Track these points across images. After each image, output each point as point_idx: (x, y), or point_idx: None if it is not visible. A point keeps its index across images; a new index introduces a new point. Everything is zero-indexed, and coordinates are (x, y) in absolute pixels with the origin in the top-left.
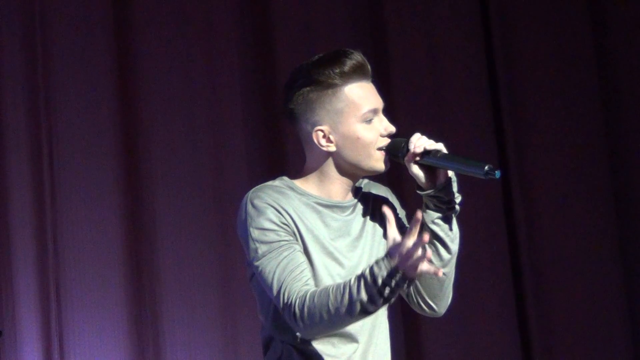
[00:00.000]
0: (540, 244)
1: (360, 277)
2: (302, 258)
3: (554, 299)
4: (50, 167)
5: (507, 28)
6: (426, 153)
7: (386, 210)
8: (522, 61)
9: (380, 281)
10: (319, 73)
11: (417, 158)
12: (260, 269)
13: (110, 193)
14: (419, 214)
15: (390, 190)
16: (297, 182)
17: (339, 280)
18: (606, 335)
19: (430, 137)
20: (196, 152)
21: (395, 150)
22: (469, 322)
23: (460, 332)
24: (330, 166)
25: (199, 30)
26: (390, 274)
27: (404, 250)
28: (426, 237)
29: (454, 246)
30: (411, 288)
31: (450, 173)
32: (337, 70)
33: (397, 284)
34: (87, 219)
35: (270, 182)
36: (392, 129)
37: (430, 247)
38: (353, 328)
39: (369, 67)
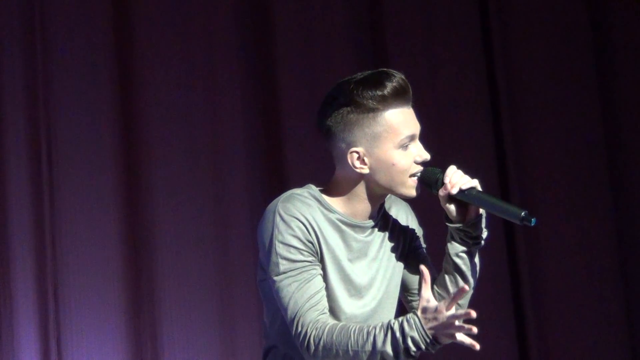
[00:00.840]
0: (538, 246)
1: (388, 328)
2: (322, 283)
3: (552, 301)
4: (49, 169)
5: (507, 31)
6: (461, 191)
7: (423, 268)
8: (521, 63)
9: (409, 340)
10: (360, 95)
11: (454, 192)
12: (277, 285)
13: (109, 195)
14: (466, 287)
15: (409, 206)
16: (325, 196)
17: (350, 302)
18: (604, 337)
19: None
20: (195, 155)
21: (429, 181)
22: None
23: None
24: (360, 187)
25: (199, 34)
26: (421, 334)
27: (444, 317)
28: (473, 313)
29: (474, 280)
30: (413, 303)
31: (482, 211)
32: (379, 94)
33: (426, 346)
34: (85, 221)
35: (298, 191)
36: (427, 156)
37: (449, 278)
38: None
39: (410, 92)
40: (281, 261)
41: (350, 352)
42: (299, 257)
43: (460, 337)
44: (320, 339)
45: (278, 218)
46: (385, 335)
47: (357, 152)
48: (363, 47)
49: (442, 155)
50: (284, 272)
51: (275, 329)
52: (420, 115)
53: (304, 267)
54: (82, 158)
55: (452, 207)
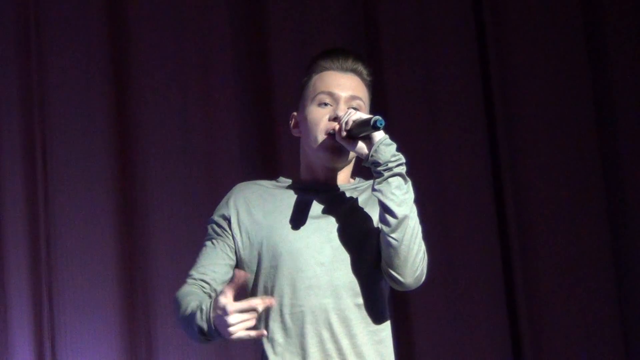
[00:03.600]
0: (532, 246)
1: (197, 307)
2: (219, 257)
3: (545, 299)
4: (44, 168)
5: (501, 32)
6: (353, 126)
7: (237, 271)
8: (515, 66)
9: (197, 326)
10: (307, 67)
11: (344, 133)
12: None
13: (104, 194)
14: (240, 274)
15: None
16: (284, 177)
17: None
18: (597, 333)
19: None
20: (190, 153)
21: (333, 132)
22: (460, 323)
23: (452, 332)
24: (304, 155)
25: (194, 33)
26: (208, 323)
27: (218, 308)
28: (243, 305)
29: (401, 210)
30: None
31: (377, 138)
32: (316, 61)
33: (211, 334)
34: (80, 220)
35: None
36: (339, 113)
37: (381, 213)
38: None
39: (350, 60)
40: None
41: (180, 316)
42: (213, 230)
43: (240, 333)
44: (175, 299)
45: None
46: (192, 314)
47: (294, 116)
48: (358, 44)
49: (436, 156)
50: (205, 238)
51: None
52: (414, 118)
53: (212, 238)
54: (77, 158)
55: (355, 149)
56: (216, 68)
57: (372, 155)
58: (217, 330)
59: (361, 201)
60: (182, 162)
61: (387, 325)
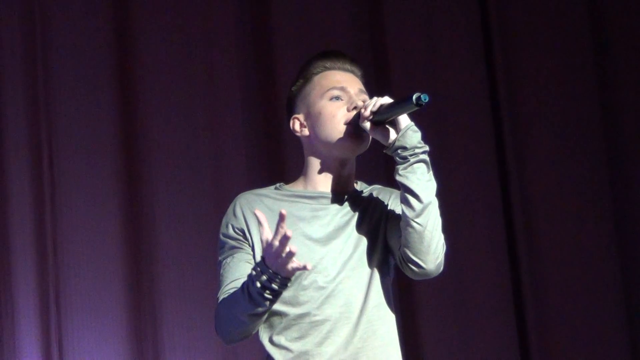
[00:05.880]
0: (538, 245)
1: (248, 277)
2: (245, 270)
3: (552, 299)
4: (50, 170)
5: (508, 35)
6: (375, 113)
7: (257, 213)
8: (522, 68)
9: (258, 284)
10: (299, 71)
11: (371, 117)
12: (217, 268)
13: (110, 197)
14: (284, 211)
15: (395, 191)
16: (287, 185)
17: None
18: (604, 333)
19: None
20: (196, 157)
21: (355, 121)
22: (466, 320)
23: (458, 329)
24: (312, 156)
25: (200, 36)
26: (267, 275)
27: (272, 249)
28: (289, 232)
29: (426, 195)
30: (399, 251)
31: (404, 124)
32: (309, 62)
33: (273, 284)
34: (86, 223)
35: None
36: (358, 102)
37: (404, 206)
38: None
39: (347, 61)
40: (219, 250)
41: (237, 314)
42: (229, 245)
43: (294, 264)
44: (216, 314)
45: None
46: (242, 287)
47: (297, 118)
48: (363, 46)
49: (442, 154)
50: (220, 256)
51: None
52: (420, 119)
53: (232, 254)
54: (83, 160)
55: (379, 134)
56: (222, 71)
57: (399, 140)
58: (274, 276)
59: (369, 205)
60: (188, 165)
61: (395, 325)
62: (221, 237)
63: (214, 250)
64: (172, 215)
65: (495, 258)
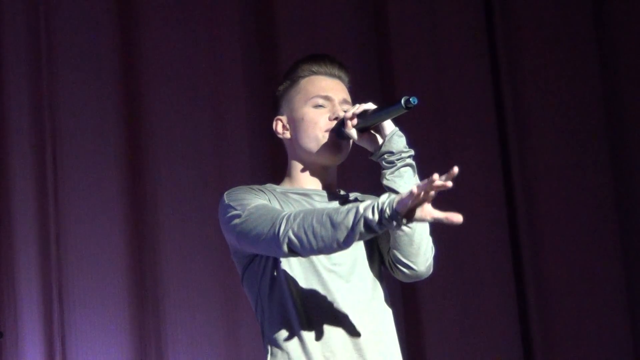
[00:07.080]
0: (542, 244)
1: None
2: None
3: (555, 298)
4: (54, 169)
5: (512, 35)
6: (359, 116)
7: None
8: (526, 67)
9: (381, 207)
10: (287, 72)
11: (354, 123)
12: (241, 226)
13: (114, 196)
14: (435, 176)
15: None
16: (275, 185)
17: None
18: (607, 332)
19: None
20: (200, 156)
21: (338, 128)
22: (470, 320)
23: (461, 329)
24: (294, 159)
25: (204, 30)
26: (391, 211)
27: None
28: (449, 184)
29: None
30: (388, 255)
31: (389, 130)
32: (297, 65)
33: (386, 213)
34: (90, 221)
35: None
36: (339, 113)
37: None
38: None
39: (336, 67)
40: (236, 208)
41: (324, 221)
42: (251, 195)
43: (437, 213)
44: (294, 220)
45: (223, 199)
46: (357, 209)
47: (280, 120)
48: (367, 48)
49: (446, 153)
50: (243, 212)
51: (266, 317)
52: (424, 119)
53: (257, 196)
54: (87, 160)
55: (365, 141)
56: (226, 72)
57: (385, 145)
58: (396, 215)
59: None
60: (192, 160)
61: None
62: (233, 203)
63: (217, 245)
64: (176, 211)
65: (498, 258)
